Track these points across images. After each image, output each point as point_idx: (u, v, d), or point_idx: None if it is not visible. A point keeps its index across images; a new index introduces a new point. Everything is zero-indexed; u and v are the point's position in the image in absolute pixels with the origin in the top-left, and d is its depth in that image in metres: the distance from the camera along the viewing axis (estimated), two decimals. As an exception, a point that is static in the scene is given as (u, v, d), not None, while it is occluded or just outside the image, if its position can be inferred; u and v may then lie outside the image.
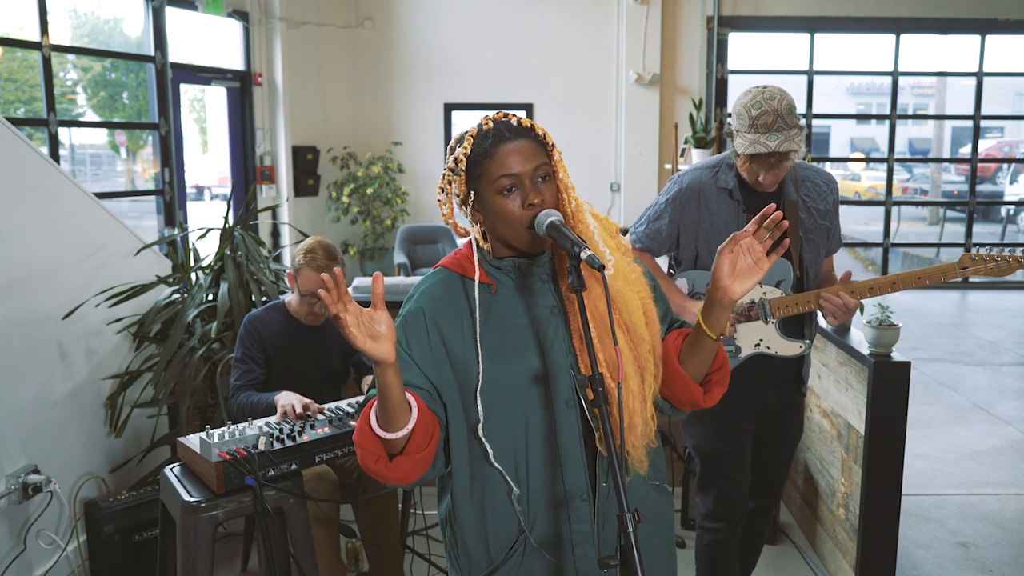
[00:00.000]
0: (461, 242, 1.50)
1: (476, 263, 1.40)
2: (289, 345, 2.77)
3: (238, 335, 2.77)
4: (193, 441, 2.30)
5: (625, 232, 1.99)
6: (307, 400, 2.48)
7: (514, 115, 1.40)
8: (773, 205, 1.34)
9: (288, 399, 2.49)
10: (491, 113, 1.39)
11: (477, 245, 1.43)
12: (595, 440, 1.41)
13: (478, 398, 1.37)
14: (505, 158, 1.34)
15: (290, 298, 2.81)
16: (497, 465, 1.39)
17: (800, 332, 2.34)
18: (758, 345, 2.29)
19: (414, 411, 1.31)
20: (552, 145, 1.40)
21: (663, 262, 2.58)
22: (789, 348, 2.29)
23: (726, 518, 2.40)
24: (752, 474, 2.46)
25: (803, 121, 2.15)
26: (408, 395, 1.32)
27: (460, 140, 1.41)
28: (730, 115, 2.23)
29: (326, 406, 2.57)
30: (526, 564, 1.42)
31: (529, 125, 1.38)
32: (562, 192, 1.38)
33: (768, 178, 2.17)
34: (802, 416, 2.50)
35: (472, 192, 1.39)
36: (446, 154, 1.45)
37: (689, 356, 1.44)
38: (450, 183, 1.40)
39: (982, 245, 2.17)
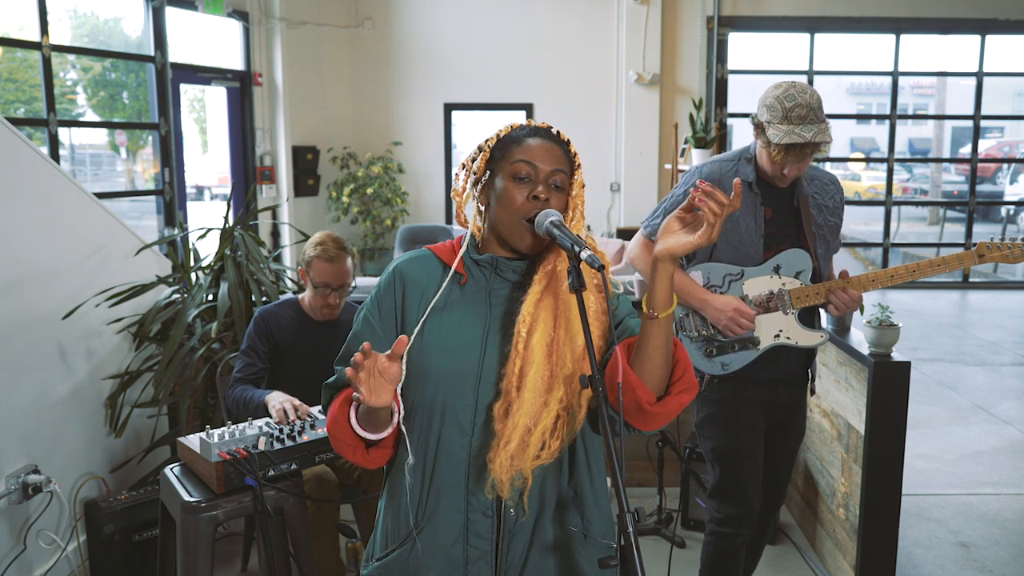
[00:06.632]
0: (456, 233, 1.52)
1: (457, 253, 1.42)
2: (298, 342, 2.77)
3: (248, 327, 2.77)
4: (193, 441, 2.30)
5: (634, 231, 1.99)
6: (298, 402, 2.48)
7: (556, 128, 1.44)
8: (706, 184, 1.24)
9: (279, 400, 2.49)
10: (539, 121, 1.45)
11: (471, 235, 1.44)
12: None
13: (399, 386, 1.32)
14: (531, 147, 1.38)
15: (304, 295, 2.81)
16: (410, 455, 1.36)
17: (815, 323, 2.37)
18: (778, 336, 2.29)
19: (395, 416, 1.34)
20: (578, 165, 1.43)
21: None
22: (810, 338, 2.30)
23: (748, 522, 2.37)
24: None
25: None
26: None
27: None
28: (747, 115, 2.25)
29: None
30: (412, 562, 1.38)
31: (566, 139, 1.43)
32: (569, 209, 1.39)
33: (793, 170, 2.21)
34: (805, 417, 2.51)
35: (488, 172, 1.41)
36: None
37: (639, 352, 1.28)
38: (473, 159, 1.44)
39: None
